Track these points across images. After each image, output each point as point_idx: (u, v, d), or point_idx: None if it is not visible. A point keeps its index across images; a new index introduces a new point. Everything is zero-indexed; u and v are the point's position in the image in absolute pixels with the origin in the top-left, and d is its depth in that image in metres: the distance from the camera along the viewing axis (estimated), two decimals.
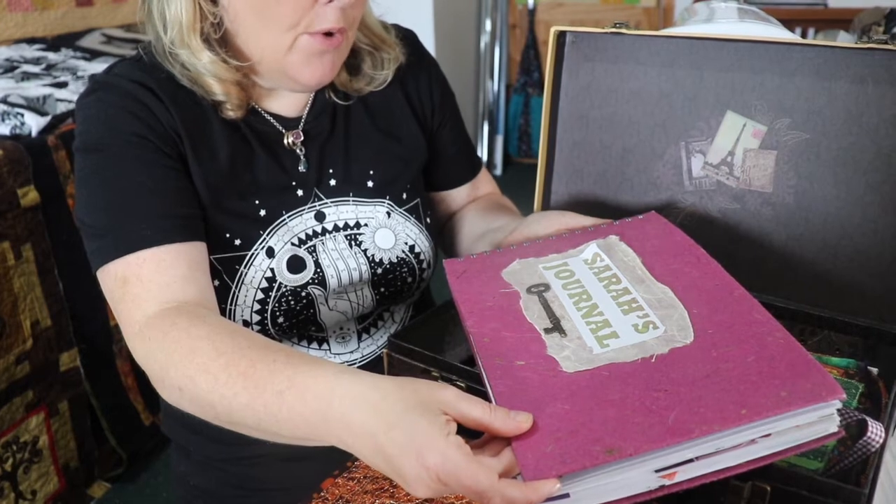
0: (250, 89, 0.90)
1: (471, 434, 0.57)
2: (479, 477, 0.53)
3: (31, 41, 2.15)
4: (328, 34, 0.83)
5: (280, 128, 0.93)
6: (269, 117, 0.92)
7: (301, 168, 0.92)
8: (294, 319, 0.90)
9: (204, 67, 0.85)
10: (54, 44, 2.15)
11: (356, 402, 0.59)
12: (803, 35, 3.10)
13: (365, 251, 0.93)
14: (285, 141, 0.92)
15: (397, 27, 1.02)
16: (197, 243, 0.83)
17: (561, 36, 0.98)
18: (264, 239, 0.89)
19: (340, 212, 0.94)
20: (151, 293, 0.77)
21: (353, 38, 0.89)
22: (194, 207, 0.85)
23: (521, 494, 0.53)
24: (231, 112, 0.88)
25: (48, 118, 1.65)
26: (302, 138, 0.93)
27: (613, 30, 0.94)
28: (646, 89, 0.95)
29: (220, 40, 0.86)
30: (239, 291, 0.88)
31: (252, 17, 0.83)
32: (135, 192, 0.82)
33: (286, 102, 0.93)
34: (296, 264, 0.90)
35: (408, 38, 1.03)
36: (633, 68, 0.96)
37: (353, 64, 0.96)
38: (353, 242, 0.93)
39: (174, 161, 0.84)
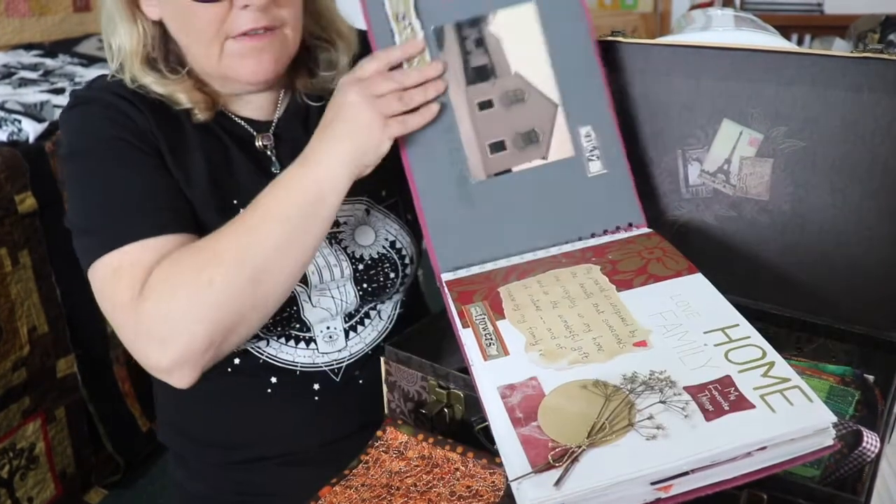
0: (216, 96, 0.93)
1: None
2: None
3: (28, 47, 2.15)
4: (253, 34, 0.85)
5: (251, 130, 0.95)
6: (240, 121, 0.95)
7: (273, 170, 0.94)
8: (277, 317, 0.91)
9: (152, 87, 0.89)
10: (52, 49, 2.15)
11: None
12: (799, 41, 3.11)
13: (345, 248, 0.95)
14: (256, 143, 0.95)
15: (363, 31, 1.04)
16: (189, 235, 0.85)
17: None
18: None
19: None
20: (146, 273, 0.80)
21: (294, 35, 0.90)
22: (183, 202, 0.87)
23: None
24: (200, 115, 0.91)
25: (45, 124, 1.65)
26: (272, 141, 0.95)
27: (610, 37, 0.95)
28: (643, 97, 0.96)
29: (176, 57, 0.91)
30: None
31: (181, 33, 0.88)
32: (123, 189, 0.84)
33: (255, 107, 0.96)
34: None
35: None
36: (630, 76, 0.96)
37: (310, 65, 0.97)
38: (332, 240, 0.95)
39: (159, 160, 0.87)
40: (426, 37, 0.84)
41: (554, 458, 0.55)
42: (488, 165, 0.88)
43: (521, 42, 0.88)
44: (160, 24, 0.90)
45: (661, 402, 0.59)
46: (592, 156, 0.88)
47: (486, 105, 0.87)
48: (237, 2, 0.83)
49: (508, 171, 0.88)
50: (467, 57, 0.87)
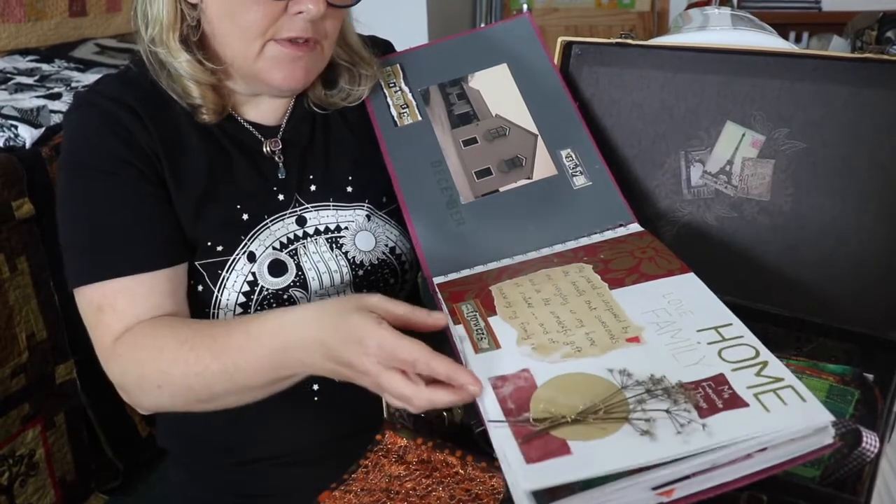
0: (228, 97, 0.93)
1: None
2: (412, 349, 0.64)
3: (24, 52, 2.14)
4: (295, 42, 0.86)
5: (259, 135, 0.95)
6: (247, 125, 0.94)
7: (279, 175, 0.94)
8: None
9: (181, 67, 0.87)
10: (48, 55, 2.14)
11: (304, 322, 0.71)
12: (797, 39, 3.11)
13: (346, 253, 0.95)
14: (264, 149, 0.94)
15: (373, 38, 1.05)
16: (174, 268, 0.87)
17: (567, 47, 0.99)
18: (245, 244, 0.91)
19: (321, 216, 0.95)
20: (123, 323, 0.83)
21: (329, 50, 0.92)
22: (174, 228, 0.88)
23: (445, 368, 0.63)
24: (206, 116, 0.90)
25: (42, 130, 1.64)
26: (280, 146, 0.95)
27: (620, 40, 0.96)
28: (648, 99, 0.96)
29: (199, 43, 0.89)
30: (221, 295, 0.89)
31: (224, 22, 0.86)
32: (113, 218, 0.85)
33: (265, 110, 0.96)
34: (277, 268, 0.91)
35: (383, 47, 1.07)
36: (636, 79, 0.97)
37: (329, 78, 0.97)
38: (333, 245, 0.95)
39: (154, 183, 0.88)
40: (413, 97, 0.99)
41: (535, 419, 0.56)
42: (476, 189, 0.93)
43: (498, 92, 0.99)
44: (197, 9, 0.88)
45: (666, 411, 0.58)
46: (576, 172, 0.92)
47: (470, 142, 0.96)
48: (292, 7, 0.83)
49: (496, 191, 0.92)
50: (451, 108, 0.98)
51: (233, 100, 0.94)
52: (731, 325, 0.67)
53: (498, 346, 0.69)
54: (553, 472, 0.54)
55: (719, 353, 0.63)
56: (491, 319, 0.73)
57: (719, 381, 0.60)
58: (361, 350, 0.66)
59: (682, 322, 0.68)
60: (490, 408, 0.61)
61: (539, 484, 0.53)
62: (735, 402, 0.58)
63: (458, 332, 0.72)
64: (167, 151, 0.88)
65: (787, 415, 0.56)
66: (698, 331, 0.66)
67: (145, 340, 0.81)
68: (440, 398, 0.65)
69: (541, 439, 0.56)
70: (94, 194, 0.86)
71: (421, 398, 0.65)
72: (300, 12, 0.83)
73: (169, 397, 0.81)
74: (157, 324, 0.82)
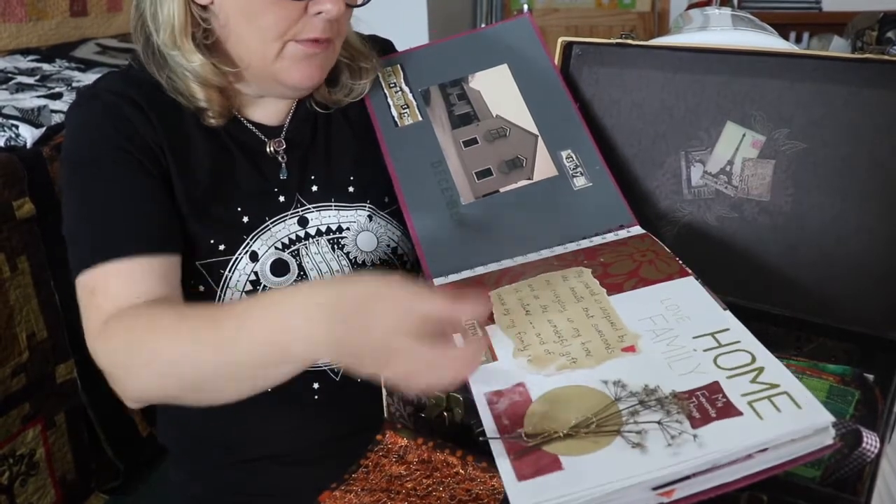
0: (233, 98, 0.93)
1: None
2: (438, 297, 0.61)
3: (25, 52, 2.15)
4: (315, 40, 0.86)
5: (262, 136, 0.95)
6: (250, 126, 0.95)
7: (281, 176, 0.94)
8: None
9: (193, 70, 0.87)
10: (48, 54, 2.15)
11: (312, 288, 0.66)
12: (797, 39, 3.11)
13: (347, 254, 0.95)
14: (267, 149, 0.94)
15: (374, 38, 1.05)
16: (170, 256, 0.85)
17: (567, 47, 1.00)
18: (248, 244, 0.91)
19: (323, 217, 0.95)
20: (114, 304, 0.80)
21: (339, 47, 0.92)
22: (173, 219, 0.87)
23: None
24: (212, 119, 0.90)
25: (43, 129, 1.64)
26: (283, 146, 0.95)
27: (620, 40, 0.96)
28: (648, 100, 0.97)
29: (210, 46, 0.88)
30: (224, 295, 0.90)
31: (241, 24, 0.85)
32: (112, 204, 0.84)
33: (268, 111, 0.96)
34: (280, 267, 0.92)
35: (383, 46, 1.07)
36: (636, 79, 0.97)
37: (330, 77, 0.97)
38: (335, 246, 0.95)
39: (154, 175, 0.87)
40: (414, 97, 1.00)
41: (527, 434, 0.56)
42: (476, 189, 0.93)
43: (498, 92, 0.99)
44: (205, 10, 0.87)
45: (658, 422, 0.58)
46: (576, 173, 0.93)
47: (470, 142, 0.96)
48: (312, 8, 0.83)
49: (496, 192, 0.93)
50: (451, 108, 0.98)
51: (238, 101, 0.94)
52: (727, 329, 0.66)
53: (495, 359, 0.69)
54: (544, 489, 0.54)
55: (715, 361, 0.63)
56: (488, 329, 0.73)
57: (714, 389, 0.60)
58: (390, 292, 0.61)
59: (679, 329, 0.67)
60: (486, 424, 0.61)
61: (530, 501, 0.53)
62: (728, 410, 0.57)
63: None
64: (172, 147, 0.88)
65: (781, 422, 0.55)
66: (694, 337, 0.66)
67: (139, 320, 0.76)
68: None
69: (532, 455, 0.56)
70: (95, 186, 0.86)
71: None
72: (319, 13, 0.83)
73: (157, 377, 0.74)
74: (152, 304, 0.79)
